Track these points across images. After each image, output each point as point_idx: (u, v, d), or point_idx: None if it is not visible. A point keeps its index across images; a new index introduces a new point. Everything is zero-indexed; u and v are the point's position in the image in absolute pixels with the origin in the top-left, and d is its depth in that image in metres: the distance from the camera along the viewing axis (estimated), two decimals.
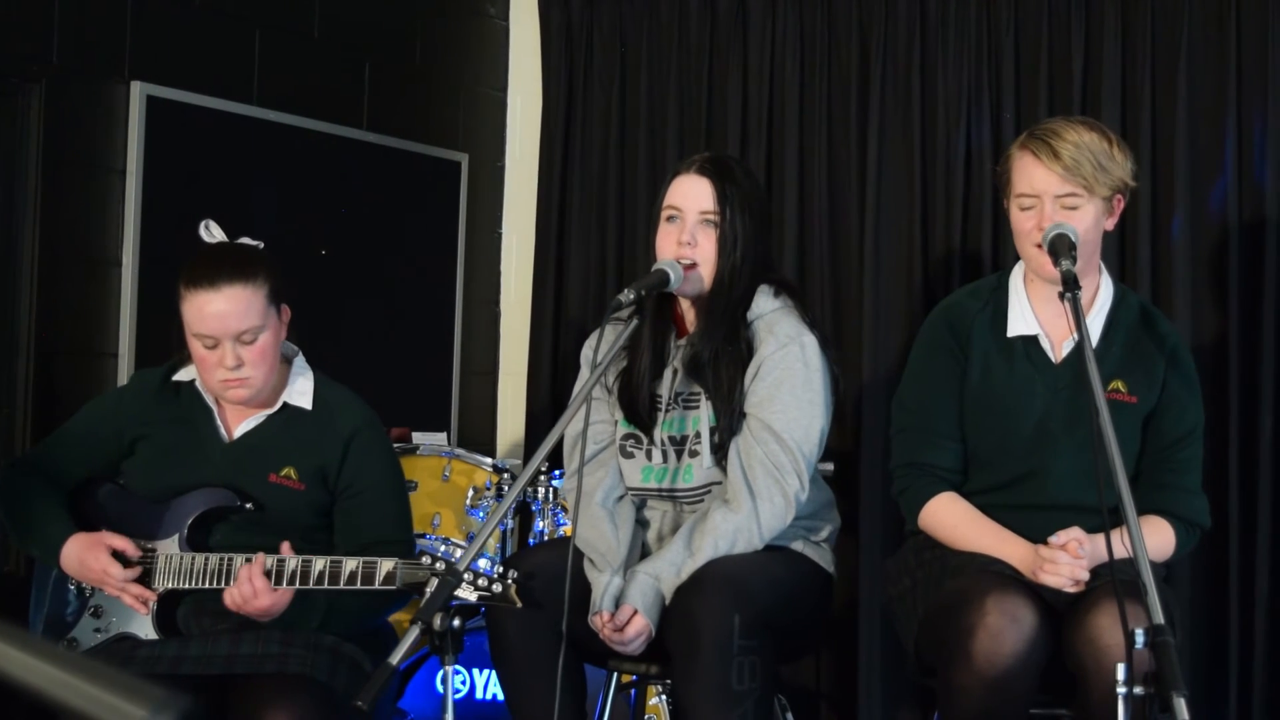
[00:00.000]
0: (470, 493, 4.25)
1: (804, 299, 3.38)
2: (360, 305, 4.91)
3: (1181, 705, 2.12)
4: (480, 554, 2.84)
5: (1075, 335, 2.80)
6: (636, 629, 3.07)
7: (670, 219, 3.27)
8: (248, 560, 3.03)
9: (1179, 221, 4.36)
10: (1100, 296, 3.28)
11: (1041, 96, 4.52)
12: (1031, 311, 3.28)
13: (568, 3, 5.15)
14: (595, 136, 5.13)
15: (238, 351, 3.10)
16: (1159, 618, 2.26)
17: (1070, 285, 2.82)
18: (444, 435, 4.86)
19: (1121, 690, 2.24)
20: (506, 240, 5.47)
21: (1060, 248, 2.97)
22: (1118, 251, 4.40)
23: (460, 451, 4.41)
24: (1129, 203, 4.35)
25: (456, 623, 2.58)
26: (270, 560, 3.02)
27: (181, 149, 4.29)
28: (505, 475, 4.28)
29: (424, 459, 4.36)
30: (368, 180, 4.93)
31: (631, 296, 3.08)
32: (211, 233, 3.25)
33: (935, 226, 4.65)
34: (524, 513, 4.38)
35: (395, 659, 2.52)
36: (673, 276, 3.17)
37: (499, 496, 4.20)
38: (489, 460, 4.37)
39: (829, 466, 4.05)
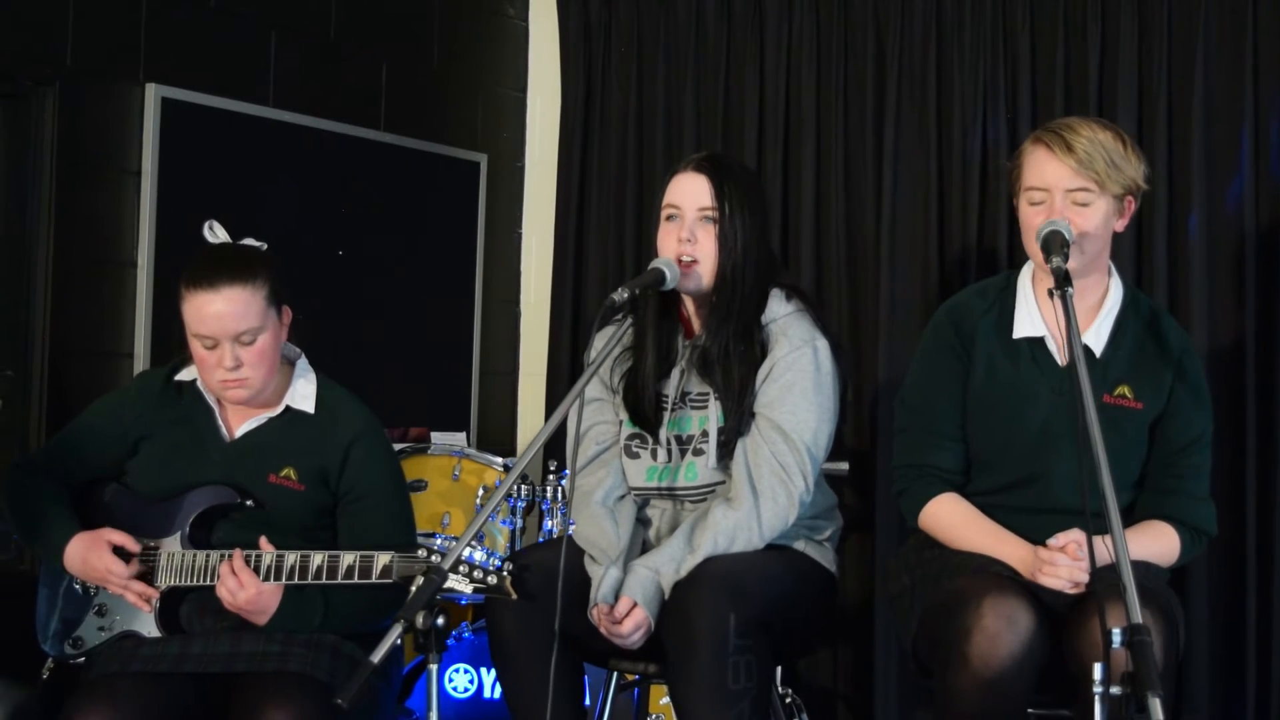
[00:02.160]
0: (480, 492, 4.25)
1: (815, 304, 3.39)
2: (379, 306, 4.92)
3: (1156, 705, 2.11)
4: (489, 552, 2.83)
5: (1064, 332, 2.77)
6: (636, 621, 3.07)
7: (670, 218, 3.27)
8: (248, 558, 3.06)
9: (1195, 221, 4.33)
10: (1110, 299, 3.24)
11: (1057, 95, 4.49)
12: (1038, 313, 3.25)
13: (586, 3, 5.16)
14: (614, 136, 5.14)
15: (236, 352, 3.11)
16: (1137, 617, 2.24)
17: (1061, 282, 2.80)
18: (463, 435, 4.87)
19: (1098, 690, 2.24)
20: (526, 240, 5.48)
21: (1053, 244, 2.94)
22: (1134, 251, 4.37)
23: (470, 451, 4.42)
24: (1145, 203, 4.34)
25: (440, 621, 2.59)
26: (270, 556, 3.05)
27: (197, 151, 4.31)
28: None
29: (434, 458, 4.38)
30: (386, 181, 4.94)
31: (625, 295, 3.07)
32: (215, 233, 3.27)
33: (951, 226, 4.63)
34: (535, 512, 4.39)
35: (377, 657, 2.52)
36: (668, 274, 3.17)
37: (509, 496, 4.20)
38: (499, 460, 4.38)
39: (844, 466, 4.05)
